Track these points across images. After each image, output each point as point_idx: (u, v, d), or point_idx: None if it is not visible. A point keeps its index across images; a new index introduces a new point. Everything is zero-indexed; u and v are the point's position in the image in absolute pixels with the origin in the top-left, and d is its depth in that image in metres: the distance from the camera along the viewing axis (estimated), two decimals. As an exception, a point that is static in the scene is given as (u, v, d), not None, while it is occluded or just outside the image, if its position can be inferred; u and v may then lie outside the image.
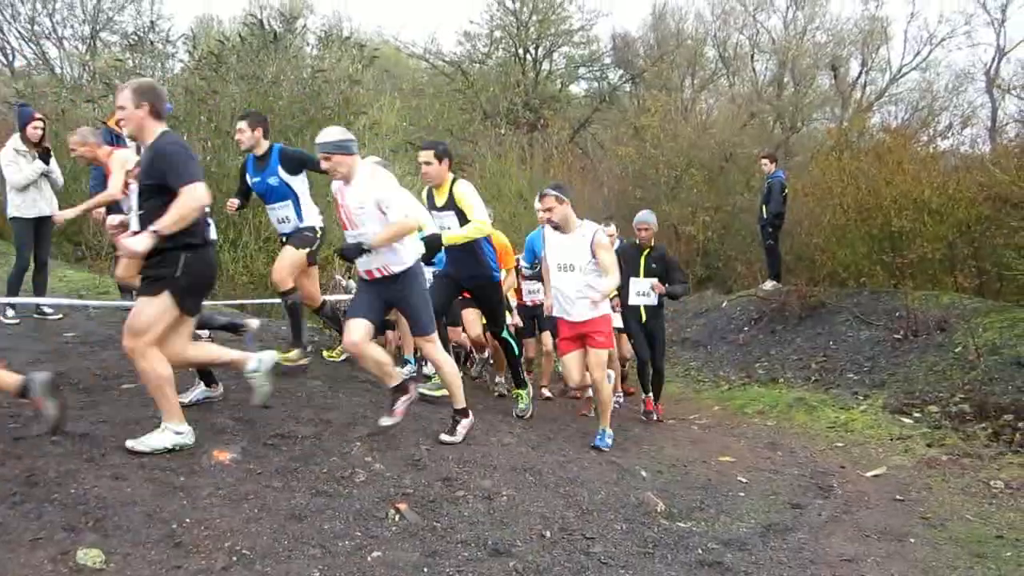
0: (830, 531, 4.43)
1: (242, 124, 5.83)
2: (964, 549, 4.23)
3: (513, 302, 7.53)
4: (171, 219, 3.78)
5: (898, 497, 5.17)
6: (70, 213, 6.93)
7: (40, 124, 7.04)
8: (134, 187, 4.37)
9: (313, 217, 5.93)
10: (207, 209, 4.10)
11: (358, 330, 4.73)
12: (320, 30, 19.83)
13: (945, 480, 5.52)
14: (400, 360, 6.67)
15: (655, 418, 7.22)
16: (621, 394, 7.70)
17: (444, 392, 5.45)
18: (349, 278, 8.10)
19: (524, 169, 17.30)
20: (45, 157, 7.01)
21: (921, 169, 10.25)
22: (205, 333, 5.96)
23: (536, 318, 7.61)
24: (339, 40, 16.27)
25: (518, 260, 6.93)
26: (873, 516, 4.74)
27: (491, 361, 7.74)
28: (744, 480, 5.37)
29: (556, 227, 5.69)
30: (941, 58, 29.14)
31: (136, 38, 17.03)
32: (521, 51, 25.07)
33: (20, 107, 7.38)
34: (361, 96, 14.67)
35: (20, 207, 6.89)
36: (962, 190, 9.64)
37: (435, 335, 4.95)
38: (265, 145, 5.87)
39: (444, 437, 4.95)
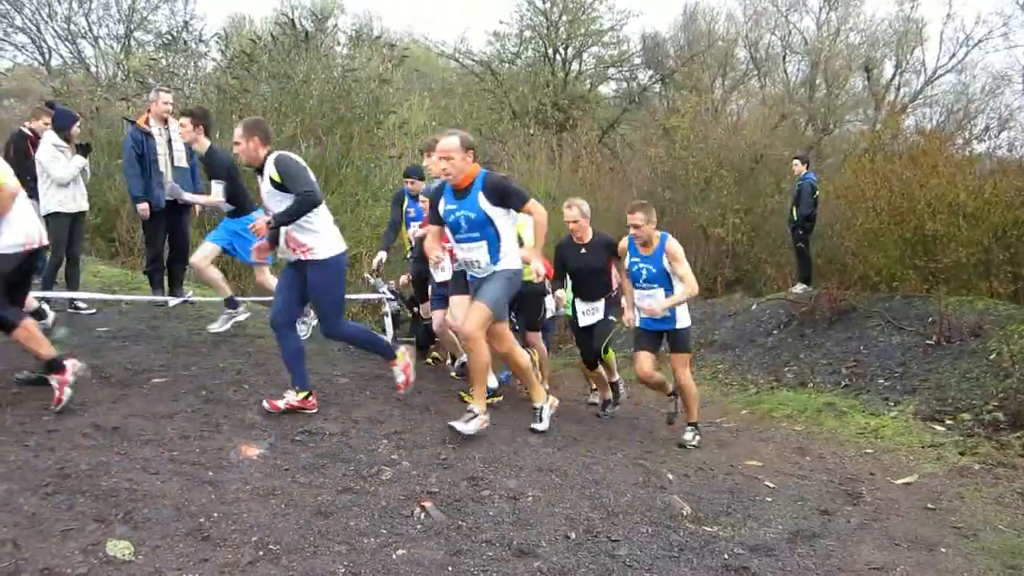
0: (859, 539, 4.37)
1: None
2: (996, 560, 4.15)
3: None
4: None
5: (929, 506, 5.09)
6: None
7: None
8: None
9: None
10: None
11: None
12: (351, 29, 20.05)
13: (978, 489, 5.42)
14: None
15: None
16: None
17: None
18: (378, 276, 8.12)
19: (553, 169, 17.28)
20: (84, 151, 7.14)
21: (956, 172, 10.09)
22: None
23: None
24: (369, 39, 16.43)
25: None
26: (903, 524, 4.67)
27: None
28: (771, 485, 5.31)
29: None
30: (978, 60, 28.54)
31: (170, 37, 17.33)
32: (551, 51, 25.06)
33: (57, 108, 7.51)
34: (391, 95, 14.78)
35: (63, 202, 7.01)
36: (999, 194, 9.48)
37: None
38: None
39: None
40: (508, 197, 4.95)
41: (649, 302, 6.02)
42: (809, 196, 10.78)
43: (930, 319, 8.61)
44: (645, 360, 6.20)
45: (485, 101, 23.68)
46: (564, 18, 24.52)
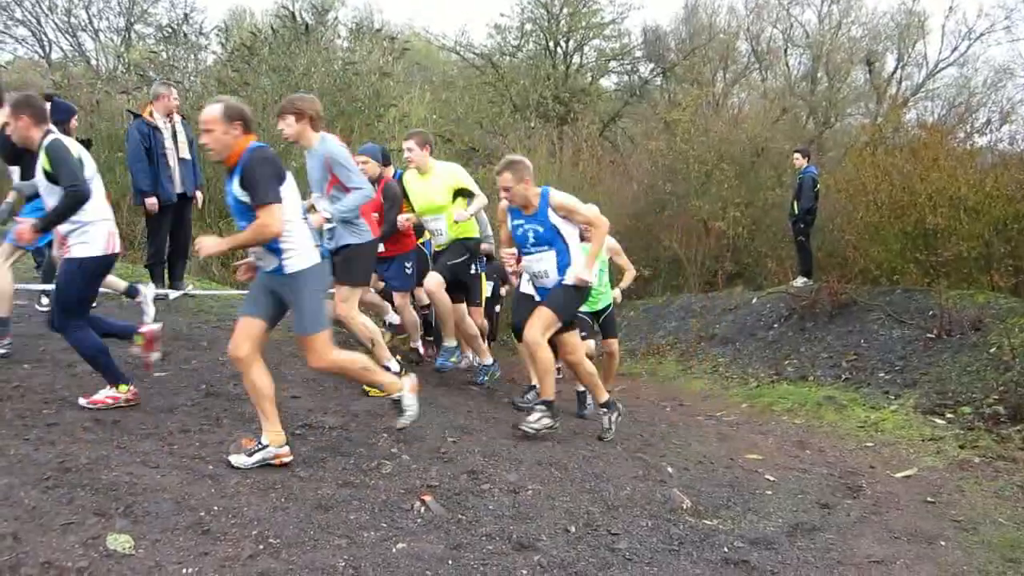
0: (859, 532, 4.38)
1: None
2: (996, 553, 4.16)
3: None
4: None
5: (929, 499, 5.09)
6: None
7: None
8: None
9: None
10: None
11: None
12: (351, 22, 20.00)
13: (978, 483, 5.42)
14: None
15: None
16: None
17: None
18: None
19: (553, 162, 17.24)
20: (85, 146, 7.11)
21: (957, 166, 10.07)
22: None
23: None
24: (370, 32, 16.40)
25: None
26: (903, 518, 4.67)
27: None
28: (772, 478, 5.32)
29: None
30: (980, 53, 28.59)
31: (170, 30, 17.30)
32: (552, 44, 24.97)
33: (56, 100, 7.48)
34: (391, 88, 14.76)
35: None
36: (1000, 187, 9.45)
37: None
38: None
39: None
40: (248, 188, 3.76)
41: (583, 273, 5.17)
42: (810, 190, 10.78)
43: (931, 312, 8.60)
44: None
45: (486, 94, 23.60)
46: (565, 11, 24.43)
